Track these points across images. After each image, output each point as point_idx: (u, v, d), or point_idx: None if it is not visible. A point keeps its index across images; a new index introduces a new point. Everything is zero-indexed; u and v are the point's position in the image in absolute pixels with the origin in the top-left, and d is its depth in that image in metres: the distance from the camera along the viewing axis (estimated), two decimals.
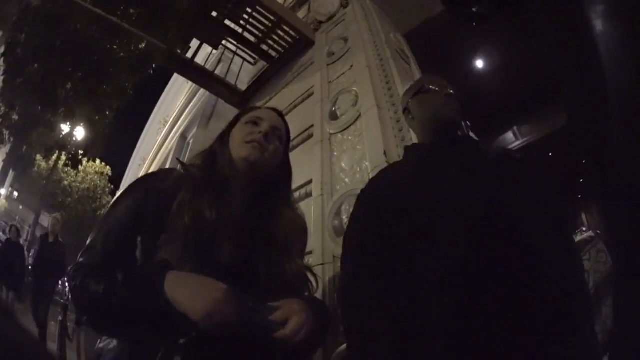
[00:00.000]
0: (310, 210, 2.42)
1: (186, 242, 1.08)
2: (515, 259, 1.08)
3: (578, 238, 3.51)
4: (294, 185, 1.63)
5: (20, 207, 27.05)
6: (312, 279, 1.32)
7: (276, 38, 4.19)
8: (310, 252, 2.18)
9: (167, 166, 5.87)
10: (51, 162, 17.49)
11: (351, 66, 3.07)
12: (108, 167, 25.12)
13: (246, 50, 4.66)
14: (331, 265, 2.07)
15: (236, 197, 1.25)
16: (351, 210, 1.53)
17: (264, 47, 4.41)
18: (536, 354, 1.00)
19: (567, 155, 6.79)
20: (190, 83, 9.94)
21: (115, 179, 24.89)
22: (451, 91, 1.52)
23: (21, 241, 7.93)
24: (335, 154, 2.63)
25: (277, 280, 1.17)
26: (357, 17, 3.59)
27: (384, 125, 2.39)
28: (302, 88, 3.61)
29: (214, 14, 4.30)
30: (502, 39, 5.77)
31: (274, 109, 1.49)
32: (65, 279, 6.55)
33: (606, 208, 0.74)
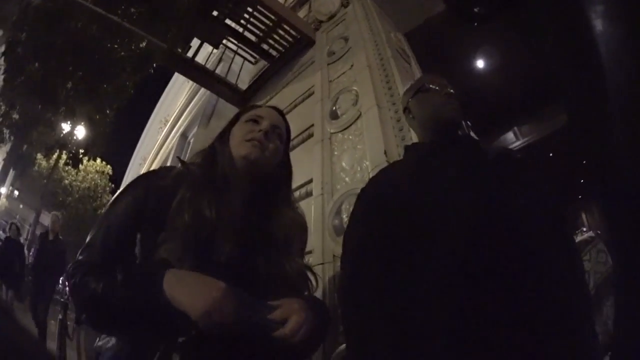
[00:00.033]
0: (310, 209, 2.42)
1: (186, 241, 1.08)
2: (515, 259, 1.08)
3: (578, 238, 3.51)
4: (294, 185, 1.63)
5: (21, 206, 27.04)
6: (312, 278, 1.32)
7: (277, 37, 4.19)
8: (310, 252, 2.18)
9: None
10: (52, 161, 17.51)
11: (352, 65, 3.07)
12: (109, 166, 25.15)
13: (247, 49, 4.66)
14: (331, 264, 2.07)
15: (236, 195, 1.25)
16: (351, 209, 1.52)
17: (265, 47, 4.41)
18: (536, 354, 1.00)
19: (567, 156, 6.79)
20: (190, 82, 9.94)
21: (116, 178, 24.95)
22: (451, 90, 1.52)
23: (21, 240, 7.91)
24: (335, 153, 2.63)
25: (276, 279, 1.17)
26: (358, 16, 3.58)
27: (384, 124, 2.39)
28: (303, 87, 3.60)
29: (215, 13, 4.30)
30: (503, 39, 5.77)
31: (274, 108, 1.49)
32: (65, 277, 6.54)
33: (606, 208, 0.74)
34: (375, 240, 1.26)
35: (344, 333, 1.31)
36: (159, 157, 13.35)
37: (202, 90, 8.85)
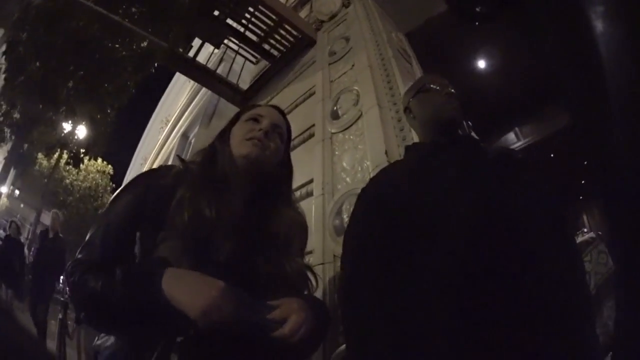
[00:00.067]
0: (311, 209, 2.42)
1: (185, 240, 1.07)
2: (516, 259, 1.08)
3: (579, 239, 3.51)
4: (295, 185, 1.62)
5: (22, 205, 27.04)
6: (311, 278, 1.31)
7: (278, 37, 4.18)
8: (310, 252, 2.17)
9: None
10: (52, 161, 17.54)
11: (353, 65, 3.07)
12: (109, 165, 25.19)
13: (248, 49, 4.66)
14: (331, 264, 2.07)
15: (236, 194, 1.24)
16: (352, 209, 1.52)
17: (266, 47, 4.41)
18: (536, 354, 1.00)
19: (568, 156, 6.79)
20: (192, 82, 9.95)
21: (117, 178, 24.98)
22: (452, 90, 1.52)
23: (22, 239, 7.87)
24: (336, 153, 2.62)
25: (276, 279, 1.16)
26: (359, 16, 3.58)
27: (385, 124, 2.39)
28: (304, 87, 3.60)
29: (216, 13, 4.30)
30: (504, 39, 5.77)
31: (274, 107, 1.48)
32: (64, 275, 6.52)
33: (607, 208, 0.74)
34: (376, 240, 1.26)
35: (344, 333, 1.31)
36: (159, 157, 13.36)
37: (204, 90, 8.86)
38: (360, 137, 2.51)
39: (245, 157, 1.27)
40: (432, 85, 1.54)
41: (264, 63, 4.72)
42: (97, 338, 1.16)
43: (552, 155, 8.51)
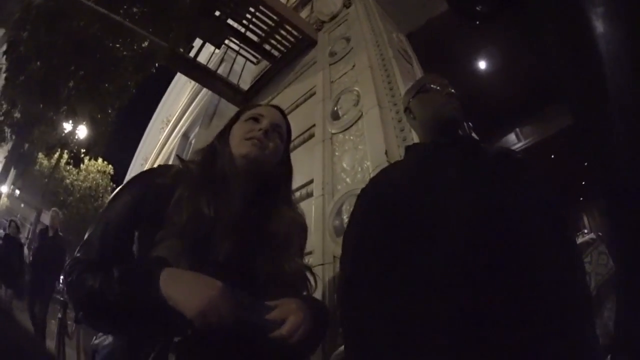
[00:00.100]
0: (311, 210, 2.42)
1: (184, 239, 1.07)
2: (515, 259, 1.08)
3: (580, 240, 3.51)
4: (295, 185, 1.62)
5: (22, 205, 27.06)
6: (311, 278, 1.30)
7: (279, 38, 4.18)
8: (310, 252, 2.17)
9: None
10: (53, 160, 17.54)
11: (353, 66, 3.07)
12: (110, 165, 25.20)
13: (249, 49, 4.66)
14: (331, 265, 2.07)
15: (235, 194, 1.23)
16: (352, 210, 1.52)
17: (267, 47, 4.41)
18: (537, 354, 1.00)
19: (569, 158, 6.79)
20: (192, 82, 9.95)
21: (117, 178, 24.99)
22: (452, 90, 1.51)
23: (22, 239, 7.85)
24: (336, 153, 2.62)
25: (275, 279, 1.16)
26: (360, 16, 3.58)
27: (385, 125, 2.39)
28: (304, 88, 3.61)
29: (217, 13, 4.30)
30: (505, 40, 5.77)
31: (275, 106, 1.48)
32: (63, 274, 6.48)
33: (607, 208, 0.74)
34: (375, 241, 1.26)
35: (343, 334, 1.31)
36: (160, 157, 13.37)
37: (204, 90, 8.87)
38: (361, 138, 2.51)
39: (244, 156, 1.27)
40: (432, 86, 1.54)
41: (264, 63, 4.72)
42: (95, 337, 1.16)
43: (552, 156, 8.51)
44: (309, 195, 2.61)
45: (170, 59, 4.71)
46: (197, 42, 4.67)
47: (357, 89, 2.81)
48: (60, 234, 6.42)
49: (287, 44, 4.19)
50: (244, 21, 4.26)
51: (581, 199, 10.64)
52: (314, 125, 3.01)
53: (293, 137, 1.56)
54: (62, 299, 5.44)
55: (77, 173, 22.66)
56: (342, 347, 1.63)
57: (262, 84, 4.55)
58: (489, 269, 1.07)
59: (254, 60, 4.96)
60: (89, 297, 1.02)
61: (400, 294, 1.15)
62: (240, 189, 1.26)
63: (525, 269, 1.07)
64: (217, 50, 5.72)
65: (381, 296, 1.17)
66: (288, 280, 1.19)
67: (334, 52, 3.44)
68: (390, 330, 1.12)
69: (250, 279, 1.12)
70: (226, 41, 4.65)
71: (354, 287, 1.25)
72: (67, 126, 10.07)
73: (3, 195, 24.56)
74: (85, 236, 1.16)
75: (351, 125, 2.64)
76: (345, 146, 2.59)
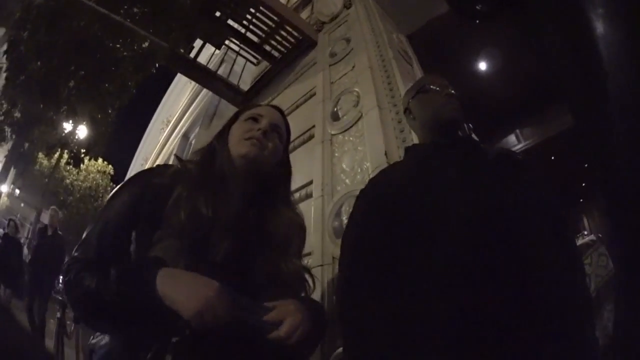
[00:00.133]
0: (310, 211, 2.42)
1: (182, 239, 1.06)
2: (515, 259, 1.07)
3: (580, 242, 3.51)
4: (295, 186, 1.62)
5: (22, 204, 27.05)
6: (309, 279, 1.30)
7: (279, 38, 4.19)
8: (309, 253, 2.17)
9: None
10: (53, 160, 17.52)
11: (353, 67, 3.07)
12: (110, 166, 25.18)
13: (249, 50, 4.67)
14: (330, 266, 2.07)
15: (234, 194, 1.23)
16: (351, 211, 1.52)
17: (267, 48, 4.42)
18: (536, 354, 1.00)
19: (569, 159, 6.78)
20: (193, 83, 9.96)
21: (118, 179, 24.97)
22: (452, 91, 1.50)
23: (22, 239, 7.83)
24: (336, 154, 2.62)
25: (273, 280, 1.15)
26: (360, 17, 3.59)
27: (385, 126, 2.39)
28: (304, 88, 3.61)
29: (217, 13, 4.31)
30: (505, 41, 5.77)
31: (274, 106, 1.47)
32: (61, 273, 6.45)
33: (608, 209, 0.74)
34: (374, 242, 1.25)
35: (342, 334, 1.30)
36: (160, 157, 13.40)
37: (204, 91, 8.88)
38: (360, 139, 2.51)
39: (243, 156, 1.26)
40: (431, 86, 1.54)
41: (264, 64, 4.73)
42: (92, 337, 1.16)
43: (552, 157, 8.51)
44: (309, 196, 2.62)
45: (171, 60, 4.72)
46: (198, 43, 4.68)
47: (357, 89, 2.82)
48: (59, 232, 6.40)
49: (287, 44, 4.20)
50: (244, 22, 4.27)
51: (581, 200, 10.65)
52: (313, 126, 3.02)
53: (293, 137, 1.55)
54: (61, 298, 5.43)
55: (77, 173, 22.64)
56: (341, 349, 1.63)
57: (262, 84, 4.55)
58: (489, 270, 1.07)
59: (254, 61, 4.97)
60: (85, 297, 1.02)
61: (399, 294, 1.15)
62: (239, 189, 1.25)
63: (525, 269, 1.07)
64: (217, 51, 5.72)
65: (380, 296, 1.17)
66: (286, 281, 1.18)
67: (334, 53, 3.44)
68: (389, 331, 1.12)
69: (248, 280, 1.11)
70: (226, 42, 4.67)
71: (353, 288, 1.24)
72: (67, 126, 10.05)
73: (3, 195, 24.55)
74: (84, 235, 1.15)
75: (351, 126, 2.64)
76: (345, 147, 2.59)
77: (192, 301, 0.91)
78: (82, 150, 10.53)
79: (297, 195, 2.58)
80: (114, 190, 1.28)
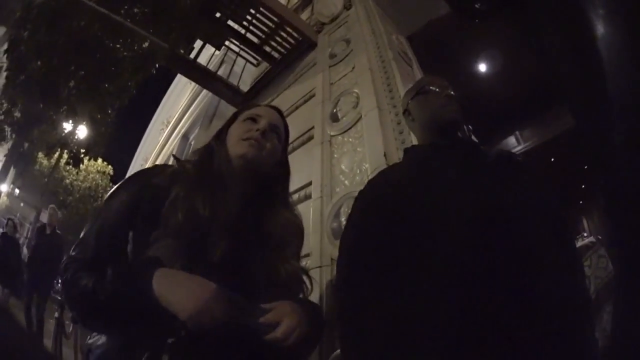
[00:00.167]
0: (309, 212, 2.42)
1: (179, 239, 1.06)
2: (515, 261, 1.07)
3: (579, 244, 3.51)
4: (294, 187, 1.61)
5: (22, 204, 27.05)
6: (307, 281, 1.29)
7: (279, 39, 4.19)
8: (308, 254, 2.17)
9: None
10: (53, 160, 17.53)
11: (353, 68, 3.07)
12: (110, 166, 25.18)
13: (249, 51, 4.67)
14: (329, 267, 2.07)
15: (232, 194, 1.22)
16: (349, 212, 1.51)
17: (267, 49, 4.42)
18: (536, 355, 0.99)
19: (569, 160, 6.78)
20: (192, 84, 9.98)
21: (117, 179, 24.96)
22: (451, 92, 1.50)
23: (22, 238, 7.83)
24: (335, 155, 2.62)
25: (270, 281, 1.15)
26: (360, 18, 3.59)
27: (384, 127, 2.39)
28: (304, 89, 3.61)
29: (218, 14, 4.31)
30: (505, 42, 5.77)
31: (273, 107, 1.47)
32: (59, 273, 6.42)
33: (608, 209, 0.73)
34: (372, 243, 1.25)
35: (339, 336, 1.30)
36: (160, 158, 13.40)
37: (204, 91, 8.89)
38: (360, 140, 2.51)
39: (241, 157, 1.25)
40: (431, 87, 1.53)
41: (264, 65, 4.73)
42: (89, 337, 1.16)
43: (552, 159, 8.50)
44: (308, 197, 2.61)
45: (171, 60, 4.72)
46: (198, 44, 4.69)
47: (356, 91, 2.82)
48: (58, 231, 6.40)
49: (287, 45, 4.20)
50: (245, 22, 4.27)
51: (581, 202, 10.64)
52: (313, 127, 3.02)
53: (292, 138, 1.55)
54: (59, 298, 5.43)
55: (77, 173, 22.62)
56: (339, 351, 1.62)
57: (262, 85, 4.56)
58: (488, 271, 1.06)
59: (254, 61, 4.98)
60: (82, 296, 1.01)
61: (398, 295, 1.14)
62: (237, 189, 1.25)
63: (524, 270, 1.06)
64: (217, 52, 5.73)
65: (379, 297, 1.16)
66: (283, 282, 1.17)
67: (334, 54, 3.44)
68: (388, 332, 1.12)
69: (246, 280, 1.11)
70: (226, 43, 4.67)
71: (351, 288, 1.24)
72: (67, 126, 10.06)
73: (3, 194, 24.54)
74: (81, 234, 1.15)
75: (350, 128, 2.64)
76: (344, 148, 2.59)
77: (189, 302, 0.90)
78: (82, 150, 10.53)
79: (296, 196, 2.58)
80: (111, 190, 1.28)
